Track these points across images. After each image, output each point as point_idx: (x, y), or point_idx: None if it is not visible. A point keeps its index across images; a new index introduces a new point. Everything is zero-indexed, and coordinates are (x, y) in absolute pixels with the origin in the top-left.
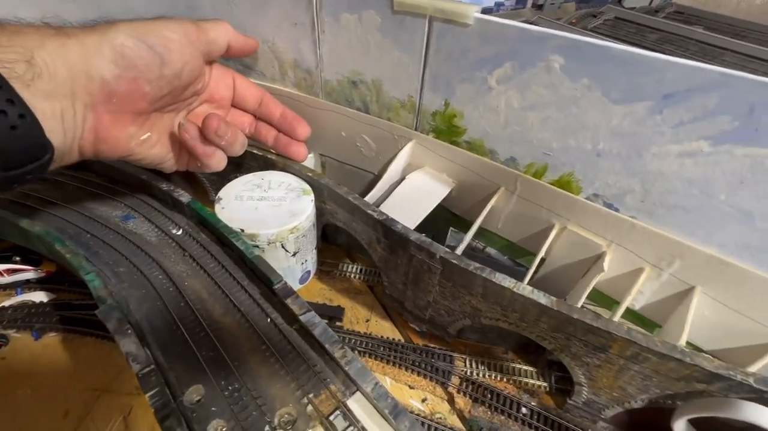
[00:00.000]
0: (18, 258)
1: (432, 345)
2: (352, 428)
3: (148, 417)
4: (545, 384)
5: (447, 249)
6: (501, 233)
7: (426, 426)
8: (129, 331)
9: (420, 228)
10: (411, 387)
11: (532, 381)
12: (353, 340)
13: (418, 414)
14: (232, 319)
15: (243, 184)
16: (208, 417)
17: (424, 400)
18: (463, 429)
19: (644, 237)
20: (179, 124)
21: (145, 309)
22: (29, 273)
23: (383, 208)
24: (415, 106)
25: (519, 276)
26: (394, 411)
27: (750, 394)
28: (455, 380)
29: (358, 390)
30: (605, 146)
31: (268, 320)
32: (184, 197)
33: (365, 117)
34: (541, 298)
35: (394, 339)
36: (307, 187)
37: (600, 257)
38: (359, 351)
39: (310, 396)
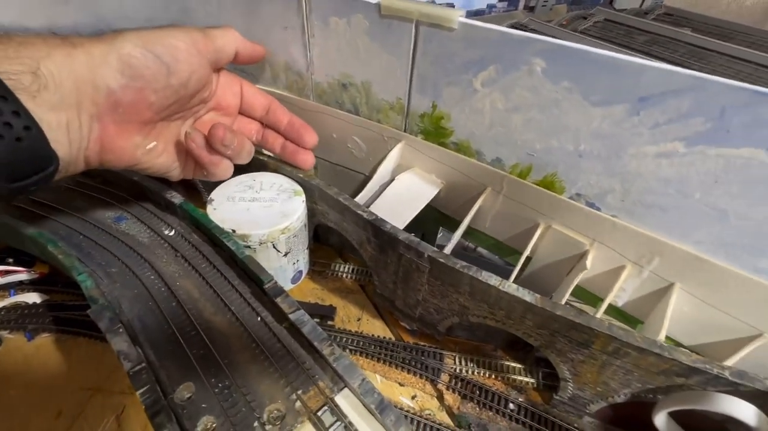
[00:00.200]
0: (11, 260)
1: (422, 343)
2: (339, 423)
3: (141, 416)
4: (533, 381)
5: (435, 248)
6: (489, 232)
7: (415, 422)
8: (120, 330)
9: (409, 228)
10: (401, 385)
11: (520, 378)
12: (345, 339)
13: (407, 411)
14: (222, 318)
15: (235, 185)
16: (199, 414)
17: (413, 397)
18: (452, 425)
19: (625, 235)
20: (185, 133)
21: (137, 309)
22: (22, 275)
23: (373, 208)
24: (403, 108)
25: (508, 275)
26: (381, 406)
27: (726, 387)
28: (445, 377)
29: (345, 386)
30: (586, 147)
31: (258, 319)
32: (177, 198)
33: (355, 119)
34: (526, 295)
35: (384, 338)
36: (299, 188)
37: (583, 255)
38: (351, 350)
39: (299, 392)
